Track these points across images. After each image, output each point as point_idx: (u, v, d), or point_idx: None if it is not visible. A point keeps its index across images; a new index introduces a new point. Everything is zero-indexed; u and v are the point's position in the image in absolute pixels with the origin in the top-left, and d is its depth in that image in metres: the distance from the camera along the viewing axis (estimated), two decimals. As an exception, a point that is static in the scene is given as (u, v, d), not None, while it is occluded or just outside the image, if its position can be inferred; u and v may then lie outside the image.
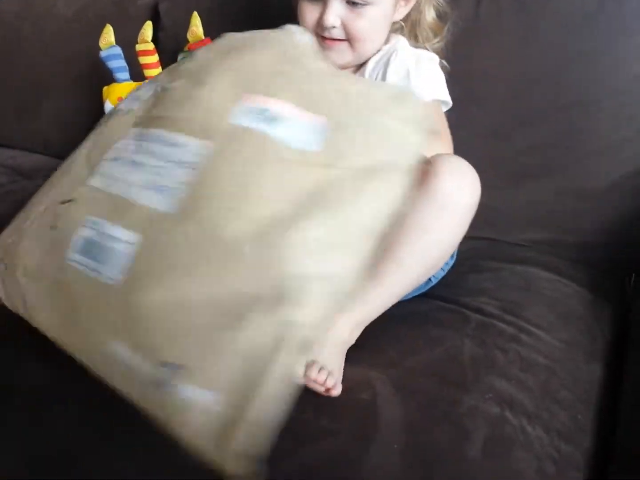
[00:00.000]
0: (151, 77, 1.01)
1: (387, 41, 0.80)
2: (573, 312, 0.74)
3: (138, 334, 0.49)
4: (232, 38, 0.67)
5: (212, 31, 0.99)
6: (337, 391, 0.60)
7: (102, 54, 1.02)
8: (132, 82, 1.04)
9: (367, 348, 0.64)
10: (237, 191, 0.52)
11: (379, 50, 0.79)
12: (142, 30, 1.00)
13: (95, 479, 0.54)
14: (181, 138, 0.56)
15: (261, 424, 0.45)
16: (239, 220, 0.50)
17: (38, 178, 1.21)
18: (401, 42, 0.80)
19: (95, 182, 0.58)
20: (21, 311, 0.60)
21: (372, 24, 0.76)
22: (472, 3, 0.88)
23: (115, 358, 0.50)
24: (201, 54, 0.67)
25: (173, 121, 0.58)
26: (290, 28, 0.67)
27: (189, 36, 0.97)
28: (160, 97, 0.62)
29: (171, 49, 1.09)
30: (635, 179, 0.83)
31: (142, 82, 0.99)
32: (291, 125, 0.53)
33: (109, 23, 1.18)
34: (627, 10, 0.81)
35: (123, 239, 0.53)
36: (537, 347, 0.66)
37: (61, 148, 1.26)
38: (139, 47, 0.99)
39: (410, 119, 0.55)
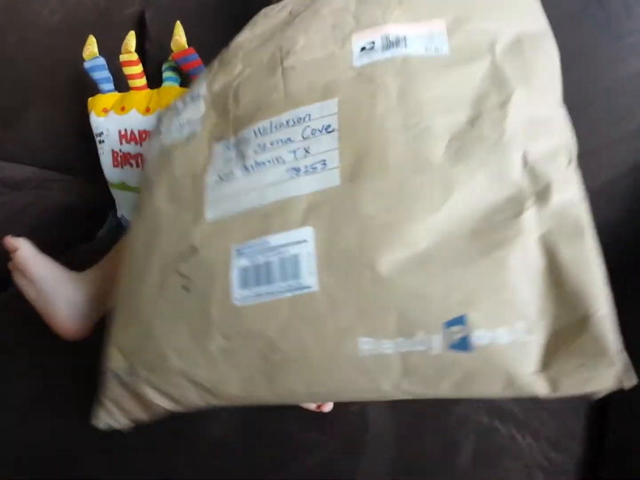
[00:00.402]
0: (136, 87, 1.01)
1: None
2: (549, 404, 0.72)
3: (386, 316, 0.44)
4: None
5: (196, 40, 0.99)
6: (329, 407, 0.60)
7: (86, 65, 1.02)
8: (116, 92, 1.04)
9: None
10: (406, 122, 0.48)
11: None
12: (126, 41, 0.99)
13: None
14: (297, 112, 0.52)
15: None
16: (433, 144, 0.47)
17: (27, 189, 1.21)
18: None
19: (212, 213, 0.52)
20: (198, 402, 0.51)
21: None
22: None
23: (362, 362, 0.45)
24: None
25: (274, 102, 0.54)
26: None
27: (173, 46, 0.96)
28: (229, 97, 0.58)
29: (157, 58, 1.09)
30: (622, 182, 0.83)
31: (129, 91, 1.00)
32: (412, 40, 0.53)
33: (94, 32, 1.18)
34: (610, 12, 0.81)
35: (294, 239, 0.47)
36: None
37: (48, 157, 1.28)
38: (122, 57, 0.99)
39: None
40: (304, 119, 0.52)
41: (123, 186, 1.03)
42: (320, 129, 0.51)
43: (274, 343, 0.46)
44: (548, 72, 0.52)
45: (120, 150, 1.01)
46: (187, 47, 0.95)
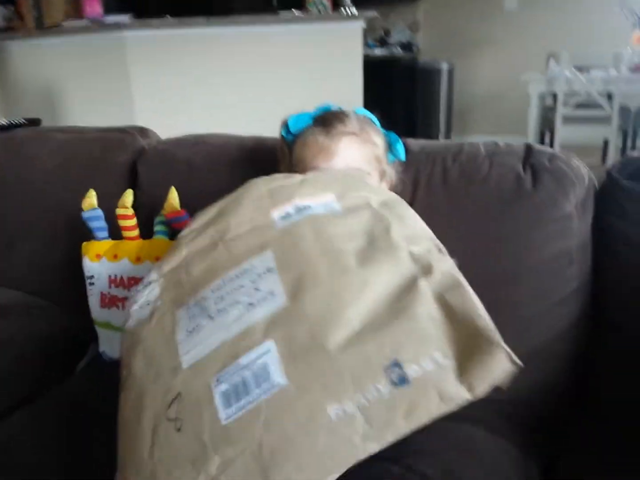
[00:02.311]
0: (129, 237, 1.13)
1: None
2: (504, 474, 0.85)
3: (342, 381, 0.57)
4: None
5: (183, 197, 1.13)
6: None
7: (85, 214, 1.14)
8: (110, 240, 1.15)
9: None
10: (324, 249, 0.69)
11: None
12: (123, 197, 1.12)
13: None
14: (242, 266, 0.70)
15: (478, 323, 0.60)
16: (347, 258, 0.67)
17: (14, 316, 1.28)
18: None
19: (187, 361, 0.63)
20: None
21: None
22: (410, 188, 1.05)
23: (335, 426, 0.55)
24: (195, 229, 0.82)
25: (221, 266, 0.72)
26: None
27: (167, 207, 1.10)
28: (182, 273, 0.74)
29: (147, 204, 1.22)
30: (550, 347, 0.99)
31: (123, 240, 1.11)
32: (315, 207, 0.75)
33: (89, 176, 1.32)
34: (535, 205, 0.99)
35: (260, 352, 0.61)
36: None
37: (34, 286, 1.37)
38: (118, 211, 1.11)
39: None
40: (250, 269, 0.69)
41: (108, 325, 1.12)
42: (263, 272, 0.68)
43: (261, 441, 0.55)
44: (412, 217, 0.78)
45: (108, 293, 1.11)
46: (180, 209, 1.09)
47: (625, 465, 0.83)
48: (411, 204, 1.04)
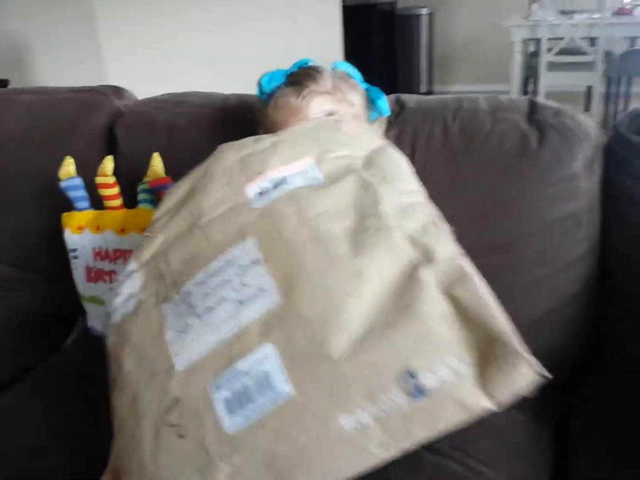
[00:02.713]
0: (112, 207, 1.06)
1: None
2: (516, 444, 0.83)
3: (352, 392, 0.52)
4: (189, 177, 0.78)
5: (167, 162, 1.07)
6: None
7: (62, 184, 1.07)
8: (92, 209, 1.08)
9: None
10: (311, 234, 0.61)
11: None
12: (103, 165, 1.05)
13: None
14: (224, 256, 0.63)
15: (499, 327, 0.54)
16: (338, 244, 0.59)
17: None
18: None
19: (181, 363, 0.59)
20: None
21: None
22: (408, 149, 0.99)
23: (349, 436, 0.52)
24: (167, 204, 0.76)
25: (202, 256, 0.65)
26: None
27: (150, 174, 1.03)
28: (161, 263, 0.68)
29: (128, 171, 1.15)
30: (556, 312, 0.95)
31: (105, 210, 1.05)
32: (292, 178, 0.67)
33: (63, 140, 1.24)
34: (540, 165, 0.94)
35: (259, 357, 0.56)
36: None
37: (16, 257, 1.30)
38: (98, 180, 1.05)
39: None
40: (232, 260, 0.63)
41: (95, 300, 1.07)
42: (248, 263, 0.62)
43: (272, 452, 0.53)
44: (398, 170, 0.70)
45: (94, 266, 1.05)
46: (164, 176, 1.02)
47: (633, 422, 0.81)
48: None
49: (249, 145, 0.74)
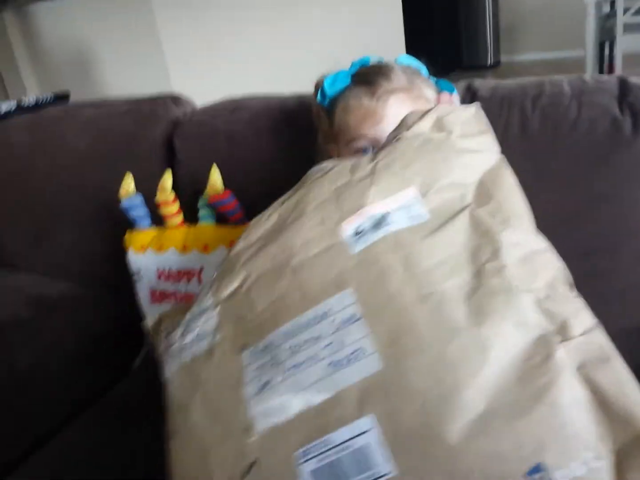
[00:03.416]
0: (173, 225, 1.03)
1: None
2: None
3: (470, 478, 0.46)
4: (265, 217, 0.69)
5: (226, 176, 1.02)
6: None
7: (123, 204, 1.04)
8: (154, 227, 1.05)
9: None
10: (421, 293, 0.52)
11: None
12: (162, 181, 1.02)
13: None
14: (318, 308, 0.55)
15: None
16: (454, 309, 0.51)
17: (61, 310, 1.22)
18: None
19: (262, 424, 0.53)
20: None
21: None
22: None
23: None
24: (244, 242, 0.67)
25: (292, 303, 0.57)
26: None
27: (209, 189, 0.99)
28: (243, 305, 0.61)
29: (188, 183, 1.11)
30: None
31: (166, 229, 1.02)
32: (395, 215, 0.58)
33: (123, 154, 1.22)
34: (636, 155, 0.83)
35: (357, 430, 0.49)
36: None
37: (82, 277, 1.30)
38: (159, 197, 1.01)
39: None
40: (327, 313, 0.55)
41: (162, 320, 1.04)
42: (346, 319, 0.54)
43: None
44: (516, 204, 0.60)
45: (158, 287, 1.02)
46: (223, 191, 0.98)
47: None
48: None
49: (345, 173, 0.65)
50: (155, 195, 1.03)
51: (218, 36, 2.71)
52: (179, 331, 0.66)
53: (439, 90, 0.87)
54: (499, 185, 0.60)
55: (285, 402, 0.53)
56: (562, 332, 0.49)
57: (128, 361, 1.17)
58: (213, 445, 0.55)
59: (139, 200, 1.04)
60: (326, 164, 0.70)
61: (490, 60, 5.39)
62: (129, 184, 1.04)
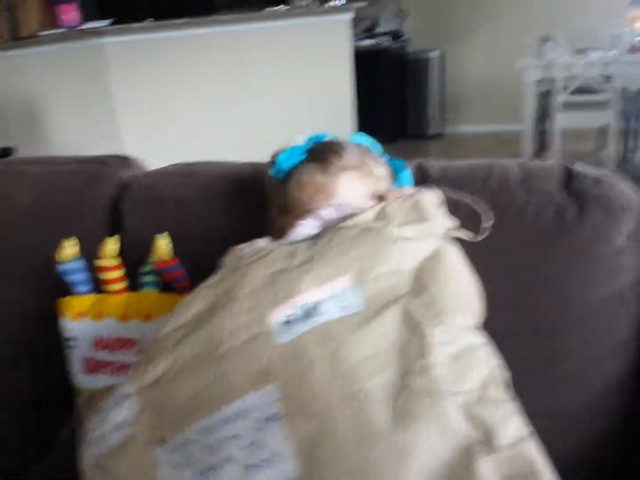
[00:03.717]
0: (114, 291, 0.99)
1: None
2: None
3: None
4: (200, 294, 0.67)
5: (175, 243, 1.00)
6: None
7: (60, 267, 1.00)
8: (95, 294, 1.01)
9: None
10: (345, 392, 0.50)
11: None
12: (105, 245, 0.98)
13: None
14: (238, 404, 0.53)
15: None
16: (377, 412, 0.49)
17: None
18: None
19: None
20: None
21: None
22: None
23: None
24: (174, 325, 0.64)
25: (213, 396, 0.55)
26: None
27: (154, 255, 0.96)
28: (164, 394, 0.58)
29: (133, 249, 1.08)
30: (600, 401, 0.86)
31: (106, 295, 0.98)
32: (326, 304, 0.56)
33: (66, 215, 1.18)
34: (580, 241, 0.86)
35: None
36: None
37: (13, 338, 1.22)
38: (99, 262, 0.98)
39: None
40: (248, 411, 0.53)
41: (96, 393, 0.99)
42: (264, 418, 0.51)
43: None
44: (454, 293, 0.58)
45: (93, 357, 0.98)
46: (170, 258, 0.95)
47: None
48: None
49: (282, 258, 0.64)
50: (94, 263, 1.00)
51: (171, 98, 2.72)
52: (99, 416, 0.62)
53: (392, 170, 0.89)
54: (435, 275, 0.59)
55: None
56: (488, 442, 0.47)
57: (55, 433, 1.10)
58: None
59: (80, 264, 1.00)
60: (261, 245, 0.70)
61: (434, 130, 5.59)
62: (71, 247, 1.00)
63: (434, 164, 1.01)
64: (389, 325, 0.54)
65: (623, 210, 0.86)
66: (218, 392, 0.55)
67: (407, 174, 0.91)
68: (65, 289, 1.04)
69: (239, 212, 1.05)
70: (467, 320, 0.57)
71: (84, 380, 0.99)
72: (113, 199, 1.16)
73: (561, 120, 3.83)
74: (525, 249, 0.88)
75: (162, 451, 0.55)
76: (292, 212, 0.84)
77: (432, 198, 0.70)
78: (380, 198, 0.77)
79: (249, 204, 1.05)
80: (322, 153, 0.85)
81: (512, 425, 0.49)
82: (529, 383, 0.87)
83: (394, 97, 5.40)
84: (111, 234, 1.08)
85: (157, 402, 0.58)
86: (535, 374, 0.87)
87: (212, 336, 0.59)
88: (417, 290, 0.57)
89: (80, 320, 0.99)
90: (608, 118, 3.76)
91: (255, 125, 3.01)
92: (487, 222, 0.74)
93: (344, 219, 0.69)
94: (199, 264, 0.97)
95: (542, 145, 4.35)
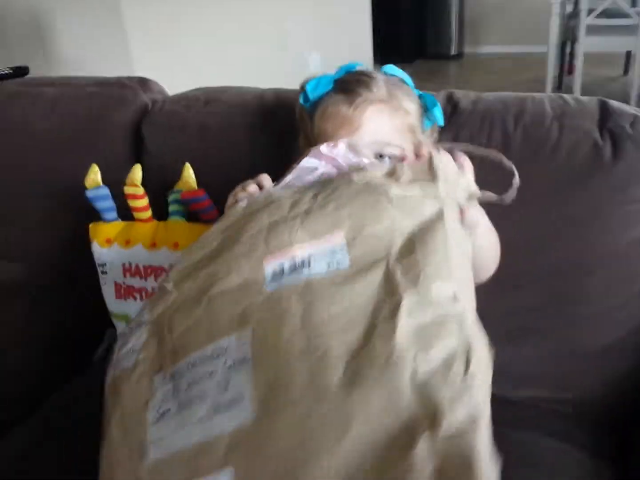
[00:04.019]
0: (142, 219, 0.99)
1: None
2: None
3: None
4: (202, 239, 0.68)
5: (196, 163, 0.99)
6: None
7: (89, 194, 1.00)
8: (120, 221, 1.01)
9: None
10: (308, 345, 0.51)
11: None
12: (131, 172, 0.98)
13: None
14: (219, 343, 0.55)
15: None
16: (331, 369, 0.49)
17: (22, 298, 1.16)
18: None
19: (154, 453, 0.53)
20: None
21: None
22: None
23: None
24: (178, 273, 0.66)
25: (201, 333, 0.57)
26: None
27: (181, 185, 0.95)
28: (165, 326, 0.61)
29: (157, 177, 1.07)
30: (626, 341, 0.87)
31: (134, 223, 0.98)
32: (315, 260, 0.57)
33: (87, 140, 1.16)
34: (615, 181, 0.84)
35: None
36: None
37: (44, 259, 1.23)
38: (127, 190, 0.97)
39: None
40: (226, 350, 0.55)
41: (126, 318, 1.01)
42: (238, 361, 0.53)
43: None
44: (443, 262, 0.55)
45: (123, 283, 0.99)
46: (197, 188, 0.94)
47: None
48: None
49: (284, 207, 0.63)
50: (122, 186, 0.99)
51: (182, 21, 2.62)
52: (122, 340, 0.66)
53: (423, 105, 0.86)
54: (426, 239, 0.56)
55: (172, 436, 0.53)
56: (431, 422, 0.45)
57: (89, 354, 1.13)
58: (120, 464, 0.56)
59: (105, 191, 1.00)
60: (274, 190, 0.70)
61: (453, 51, 5.41)
62: (95, 174, 1.00)
63: (464, 95, 0.98)
64: (367, 285, 0.53)
65: (660, 150, 0.84)
66: (205, 330, 0.57)
67: (438, 109, 0.88)
68: (89, 215, 1.05)
69: (262, 143, 1.03)
70: (448, 289, 0.53)
71: (116, 305, 1.01)
72: (134, 124, 1.14)
73: (586, 44, 3.69)
74: (557, 188, 0.87)
75: (158, 379, 0.58)
76: (316, 143, 0.83)
77: (449, 161, 0.67)
78: (417, 155, 0.74)
79: (273, 133, 1.03)
80: (349, 84, 0.82)
81: (462, 411, 0.46)
82: (554, 324, 0.89)
83: (412, 17, 5.20)
84: (132, 160, 1.07)
85: (160, 333, 0.61)
86: (560, 314, 0.88)
87: (211, 276, 0.61)
88: (404, 252, 0.55)
89: (110, 247, 1.00)
90: (635, 43, 3.61)
91: (271, 48, 2.93)
92: (515, 182, 0.71)
93: (355, 166, 0.68)
94: (222, 194, 0.97)
95: (565, 70, 4.22)
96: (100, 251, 1.00)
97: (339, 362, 0.49)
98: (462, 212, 0.66)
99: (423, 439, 0.44)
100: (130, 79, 1.23)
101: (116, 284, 1.00)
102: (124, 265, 0.98)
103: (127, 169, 1.01)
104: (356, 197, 0.61)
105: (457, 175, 0.65)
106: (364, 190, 0.62)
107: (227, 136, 1.05)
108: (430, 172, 0.63)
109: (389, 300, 0.52)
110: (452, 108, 0.96)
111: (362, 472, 0.45)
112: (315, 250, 0.58)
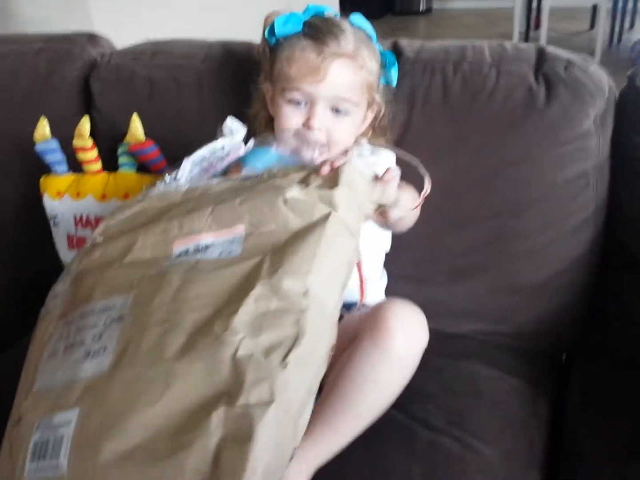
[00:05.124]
0: (92, 171, 1.00)
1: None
2: (512, 415, 0.81)
3: None
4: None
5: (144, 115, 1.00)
6: None
7: (38, 147, 1.00)
8: (71, 173, 1.02)
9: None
10: (168, 316, 0.56)
11: None
12: (79, 126, 0.98)
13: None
14: (106, 301, 0.61)
15: None
16: (174, 339, 0.54)
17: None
18: (362, 146, 0.87)
19: (37, 386, 0.59)
20: None
21: (348, 130, 0.85)
22: (405, 110, 0.92)
23: None
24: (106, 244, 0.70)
25: (96, 290, 0.63)
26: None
27: (129, 137, 0.96)
28: (81, 279, 0.66)
29: (106, 130, 1.08)
30: (563, 276, 0.92)
31: (84, 175, 0.99)
32: (214, 247, 0.62)
33: (36, 96, 1.16)
34: (548, 123, 0.87)
35: (64, 421, 0.54)
36: (479, 465, 0.72)
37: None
38: (76, 143, 0.98)
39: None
40: (111, 307, 0.60)
41: (79, 269, 1.02)
42: (116, 318, 0.59)
43: None
44: (305, 262, 0.58)
45: (75, 234, 1.00)
46: (144, 140, 0.95)
47: (632, 392, 0.79)
48: (407, 126, 0.93)
49: (206, 196, 0.68)
50: (72, 140, 1.00)
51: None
52: (55, 287, 0.71)
53: (383, 63, 0.88)
54: (300, 238, 0.60)
55: (53, 373, 0.58)
56: (230, 397, 0.50)
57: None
58: (21, 386, 0.62)
59: (54, 144, 1.00)
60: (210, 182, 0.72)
61: (422, 6, 5.37)
62: (44, 127, 1.00)
63: (409, 44, 1.00)
64: (236, 272, 0.58)
65: (592, 94, 0.87)
66: (103, 288, 0.63)
67: (395, 70, 0.90)
68: (40, 170, 1.05)
69: (209, 96, 1.04)
70: (300, 285, 0.57)
71: (69, 256, 1.02)
72: (82, 79, 1.13)
73: (551, -2, 3.70)
74: (494, 131, 0.90)
75: (60, 324, 0.63)
76: (276, 82, 0.84)
77: (361, 175, 0.69)
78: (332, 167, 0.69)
79: (220, 84, 1.03)
80: (320, 32, 0.82)
81: (261, 390, 0.50)
82: (495, 261, 0.93)
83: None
84: (82, 115, 1.07)
85: (76, 283, 0.66)
86: (500, 252, 0.92)
87: (129, 244, 0.66)
88: (280, 248, 0.60)
89: (61, 199, 1.00)
90: (599, -4, 3.63)
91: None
92: (426, 189, 0.74)
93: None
94: (169, 145, 0.99)
95: (532, 24, 4.23)
96: (51, 204, 1.01)
97: (182, 335, 0.54)
98: (384, 214, 0.72)
99: (218, 411, 0.49)
100: (77, 34, 1.21)
101: (68, 235, 1.01)
102: (75, 216, 1.00)
103: (77, 123, 1.01)
104: (259, 195, 0.65)
105: (367, 186, 0.68)
106: (266, 190, 0.66)
107: (174, 88, 1.05)
108: (334, 180, 0.66)
109: (244, 288, 0.56)
110: (396, 57, 0.98)
111: (166, 432, 0.50)
112: (218, 239, 0.62)
